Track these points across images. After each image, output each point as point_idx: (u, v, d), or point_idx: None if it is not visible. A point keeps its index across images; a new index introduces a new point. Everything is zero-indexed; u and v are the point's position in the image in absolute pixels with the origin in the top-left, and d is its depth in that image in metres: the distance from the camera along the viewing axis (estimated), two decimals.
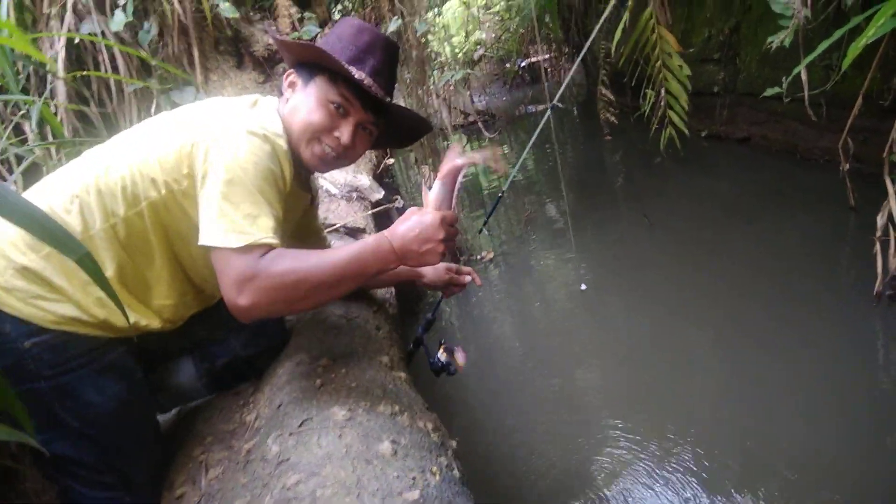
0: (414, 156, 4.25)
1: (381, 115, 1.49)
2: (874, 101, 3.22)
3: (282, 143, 1.32)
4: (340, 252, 1.25)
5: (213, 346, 1.62)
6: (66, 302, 1.27)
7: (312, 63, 1.44)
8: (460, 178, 1.40)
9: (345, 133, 1.42)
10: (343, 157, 1.47)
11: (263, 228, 1.20)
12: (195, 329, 1.58)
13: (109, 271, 1.31)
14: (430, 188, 1.39)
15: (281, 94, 1.49)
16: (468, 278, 1.83)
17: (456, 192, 1.39)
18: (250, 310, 1.19)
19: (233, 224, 1.18)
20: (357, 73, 1.38)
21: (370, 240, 1.28)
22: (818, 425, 2.13)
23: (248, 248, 1.18)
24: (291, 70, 1.49)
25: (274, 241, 1.21)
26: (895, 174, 2.49)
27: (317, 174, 1.85)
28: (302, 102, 1.42)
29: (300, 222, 1.70)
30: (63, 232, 0.90)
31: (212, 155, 1.23)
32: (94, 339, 1.31)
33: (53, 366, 1.26)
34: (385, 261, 1.27)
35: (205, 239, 1.20)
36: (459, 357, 1.65)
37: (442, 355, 1.64)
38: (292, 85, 1.47)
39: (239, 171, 1.22)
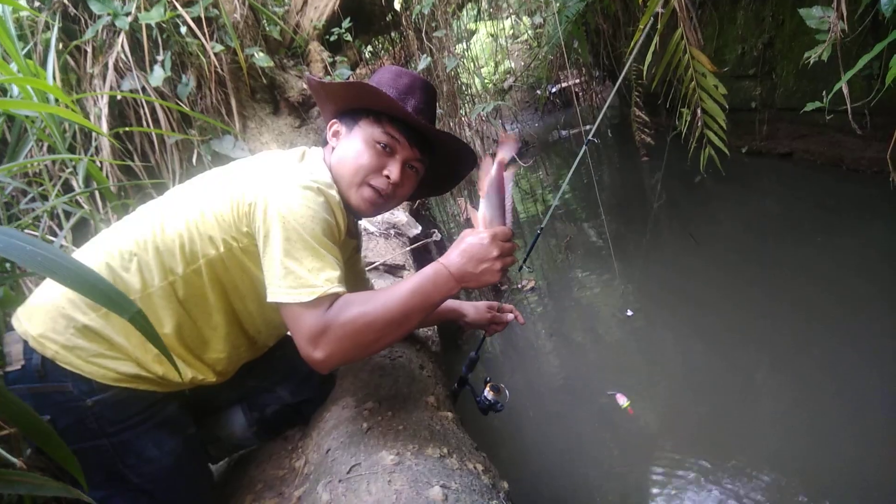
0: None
1: (426, 152, 1.51)
2: None
3: (334, 193, 1.35)
4: (402, 287, 1.26)
5: (262, 394, 1.63)
6: (126, 360, 1.30)
7: (355, 109, 1.47)
8: (508, 190, 1.36)
9: (394, 170, 1.43)
10: (392, 197, 1.48)
11: (329, 280, 1.23)
12: (243, 380, 1.60)
13: (168, 328, 1.34)
14: (476, 208, 1.37)
15: (324, 143, 1.52)
16: (510, 316, 1.81)
17: (508, 206, 1.36)
18: (326, 361, 1.21)
19: (299, 280, 1.21)
20: (394, 99, 1.41)
21: (428, 270, 1.28)
22: (873, 450, 2.03)
23: (318, 302, 1.20)
24: (335, 120, 1.51)
25: (340, 289, 1.24)
26: None
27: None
28: (349, 148, 1.44)
29: (346, 265, 1.71)
30: (115, 291, 0.92)
31: (270, 213, 1.25)
32: (152, 394, 1.34)
33: (115, 423, 1.29)
34: (446, 287, 1.27)
35: (274, 296, 1.23)
36: (622, 400, 1.64)
37: (489, 393, 1.62)
38: (336, 134, 1.50)
39: (298, 226, 1.24)
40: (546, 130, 9.23)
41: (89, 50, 2.95)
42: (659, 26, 3.49)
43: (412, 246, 2.84)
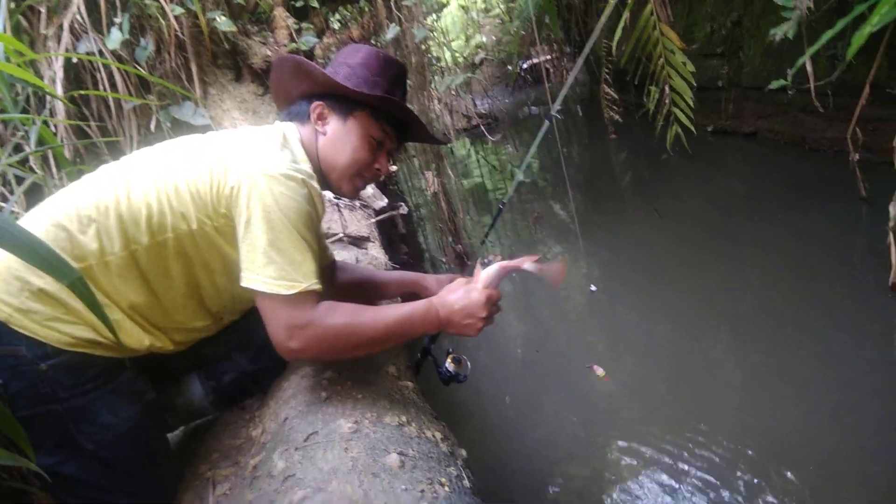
0: (417, 162, 4.23)
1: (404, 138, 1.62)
2: (881, 90, 3.17)
3: (315, 184, 1.35)
4: (393, 312, 1.33)
5: (219, 363, 1.60)
6: (83, 324, 1.26)
7: (347, 97, 1.48)
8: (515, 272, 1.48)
9: (384, 165, 1.53)
10: (371, 182, 1.59)
11: (309, 275, 1.25)
12: (201, 347, 1.57)
13: (126, 297, 1.31)
14: (484, 265, 1.47)
15: (295, 117, 1.53)
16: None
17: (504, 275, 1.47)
18: (298, 353, 1.25)
19: (281, 271, 1.23)
20: (412, 111, 1.52)
21: (420, 305, 1.36)
22: (834, 419, 2.09)
23: (300, 296, 1.23)
24: (320, 102, 1.51)
25: (319, 286, 1.26)
26: None
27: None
28: (344, 139, 1.49)
29: None
30: (55, 256, 0.88)
31: (254, 200, 1.25)
32: (107, 359, 1.31)
33: (69, 388, 1.26)
34: (430, 326, 1.37)
35: (251, 283, 1.24)
36: (599, 371, 1.70)
37: (450, 365, 1.62)
38: (322, 118, 1.51)
39: (282, 216, 1.25)
40: (516, 106, 9.21)
41: (43, 11, 2.82)
42: (629, 1, 3.48)
43: (377, 218, 2.81)
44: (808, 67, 2.89)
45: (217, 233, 1.33)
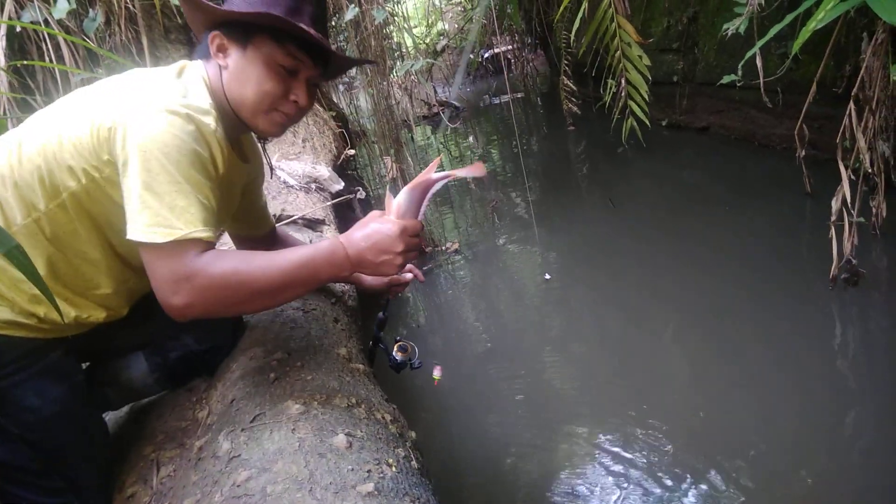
0: (378, 147, 4.21)
1: (327, 66, 1.39)
2: (828, 89, 3.28)
3: (209, 121, 1.19)
4: (291, 255, 1.18)
5: (166, 341, 1.57)
6: (1, 304, 1.20)
7: (244, 22, 1.29)
8: (433, 191, 1.30)
9: (301, 95, 1.33)
10: (299, 116, 1.39)
11: (193, 221, 1.10)
12: (147, 325, 1.53)
13: (40, 268, 1.21)
14: (395, 195, 1.29)
15: (202, 54, 1.35)
16: (409, 276, 1.75)
17: (425, 203, 1.30)
18: (184, 309, 1.11)
19: (157, 217, 1.08)
20: (305, 29, 1.27)
21: (324, 245, 1.21)
22: (776, 405, 2.17)
23: (179, 245, 1.09)
24: (216, 32, 1.31)
25: (206, 234, 1.11)
26: (848, 160, 2.54)
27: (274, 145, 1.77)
28: (247, 71, 1.29)
29: (242, 201, 1.57)
30: None
31: (130, 140, 1.11)
32: (31, 340, 1.25)
33: None
34: (339, 268, 1.21)
35: (132, 234, 1.10)
36: (436, 372, 1.67)
37: (397, 353, 1.62)
38: (222, 49, 1.31)
39: (160, 156, 1.10)
40: (477, 96, 9.22)
41: None
42: None
43: (334, 201, 2.78)
44: (759, 63, 2.96)
45: (108, 183, 1.19)
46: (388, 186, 1.42)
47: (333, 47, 1.36)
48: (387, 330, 1.74)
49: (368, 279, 1.77)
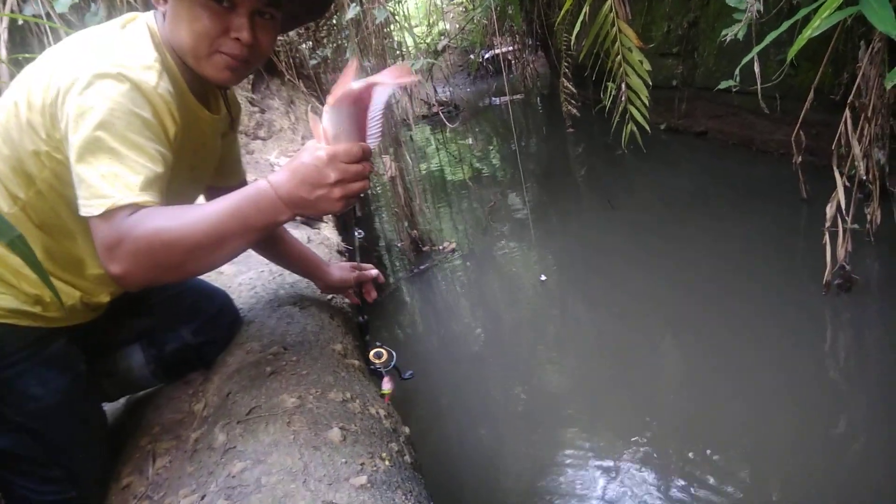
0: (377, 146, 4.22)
1: None
2: (826, 95, 3.30)
3: (148, 76, 1.10)
4: (216, 206, 1.05)
5: (163, 333, 1.58)
6: (3, 293, 1.21)
7: None
8: (376, 106, 1.05)
9: (243, 31, 1.16)
10: (254, 58, 1.24)
11: (125, 186, 1.02)
12: (144, 319, 1.55)
13: (37, 254, 1.21)
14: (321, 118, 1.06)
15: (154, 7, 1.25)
16: (374, 271, 1.73)
17: (373, 123, 1.06)
18: (125, 278, 1.02)
19: (90, 189, 1.02)
20: None
21: (250, 189, 1.06)
22: (769, 409, 2.19)
23: (110, 213, 1.01)
24: None
25: (141, 198, 1.02)
26: (843, 167, 2.56)
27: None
28: (178, 12, 1.16)
29: (219, 151, 1.48)
30: None
31: (65, 116, 1.06)
32: (35, 330, 1.25)
33: None
34: (273, 212, 1.04)
35: (80, 210, 1.05)
36: (385, 385, 1.53)
37: (373, 360, 1.60)
38: None
39: (91, 125, 1.03)
40: (477, 96, 9.24)
41: None
42: None
43: None
44: (756, 69, 2.98)
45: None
46: (309, 107, 1.28)
47: None
48: (380, 331, 1.74)
49: (334, 277, 1.74)
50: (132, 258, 1.01)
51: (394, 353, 1.60)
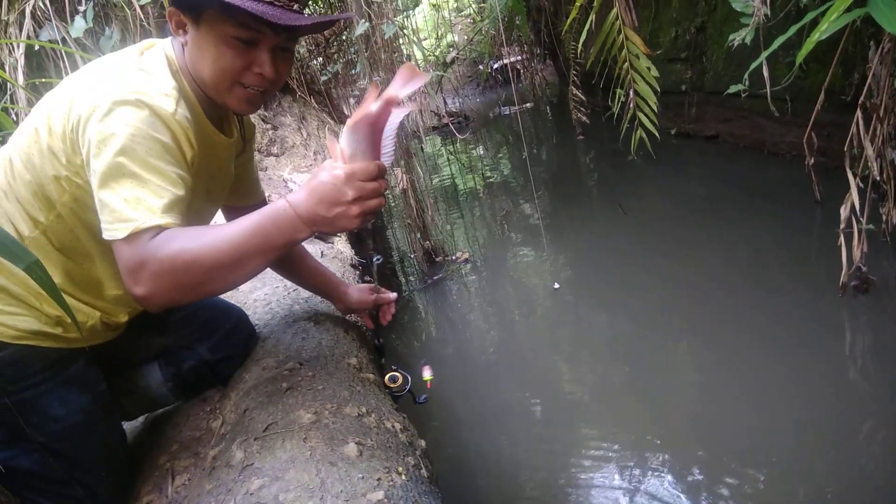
0: None
1: (295, 29, 1.25)
2: (836, 96, 3.28)
3: (166, 103, 1.13)
4: (237, 226, 1.07)
5: (179, 351, 1.60)
6: (26, 315, 1.23)
7: None
8: (391, 126, 1.09)
9: (266, 66, 1.22)
10: (271, 88, 1.29)
11: (148, 210, 1.05)
12: (161, 337, 1.57)
13: (56, 277, 1.23)
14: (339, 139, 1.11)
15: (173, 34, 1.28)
16: (394, 295, 1.76)
17: (388, 142, 1.10)
18: (149, 299, 1.05)
19: (113, 213, 1.05)
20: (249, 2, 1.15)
21: (269, 209, 1.08)
22: (785, 414, 2.17)
23: (135, 236, 1.03)
24: (172, 7, 1.22)
25: (163, 220, 1.05)
26: (857, 168, 2.54)
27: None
28: (202, 48, 1.20)
29: (234, 173, 1.52)
30: (10, 240, 0.87)
31: (87, 139, 1.09)
32: (56, 351, 1.28)
33: (15, 381, 1.23)
34: (292, 230, 1.07)
35: (103, 234, 1.08)
36: (426, 373, 1.64)
37: (388, 382, 1.62)
38: (181, 26, 1.23)
39: (112, 151, 1.06)
40: (487, 106, 9.26)
41: None
42: (595, 4, 3.54)
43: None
44: (765, 73, 2.97)
45: (90, 186, 1.13)
46: (326, 128, 1.34)
47: (298, 8, 1.24)
48: (395, 343, 1.75)
49: (352, 299, 1.75)
50: (157, 279, 1.03)
51: (409, 378, 1.63)
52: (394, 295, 1.76)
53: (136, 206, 1.04)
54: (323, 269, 1.82)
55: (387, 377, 1.62)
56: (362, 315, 1.81)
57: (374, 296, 1.73)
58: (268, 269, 1.81)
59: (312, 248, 2.25)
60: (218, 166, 1.39)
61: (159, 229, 1.05)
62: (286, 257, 1.62)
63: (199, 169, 1.23)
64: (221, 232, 1.07)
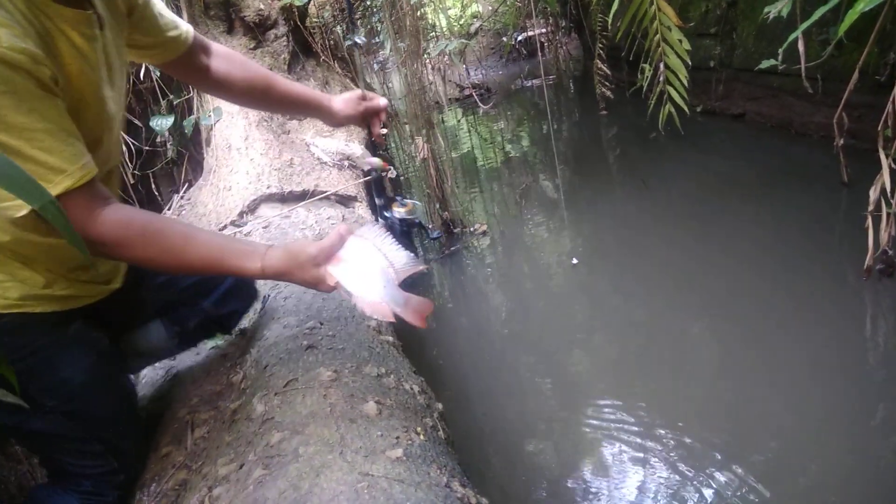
0: (409, 128, 4.21)
1: None
2: (870, 76, 3.20)
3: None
4: (209, 237, 1.19)
5: (183, 308, 1.59)
6: (11, 281, 1.20)
7: None
8: (369, 254, 1.17)
9: None
10: None
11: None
12: (160, 296, 1.55)
13: (42, 262, 1.22)
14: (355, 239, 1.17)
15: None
16: (384, 101, 1.64)
17: (386, 281, 1.18)
18: (102, 239, 1.07)
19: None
20: None
21: (246, 246, 1.18)
22: (806, 396, 2.15)
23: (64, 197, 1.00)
24: None
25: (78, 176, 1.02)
26: (889, 149, 2.48)
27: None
28: None
29: (136, 35, 1.34)
30: (25, 177, 0.80)
31: None
32: (52, 314, 1.25)
33: (17, 349, 1.21)
34: (249, 270, 1.16)
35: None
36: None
37: (397, 211, 1.55)
38: None
39: None
40: (509, 79, 9.14)
41: None
42: None
43: (365, 178, 2.81)
44: (801, 47, 2.90)
45: None
46: (345, 222, 1.34)
47: None
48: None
49: (339, 112, 1.61)
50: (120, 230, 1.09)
51: (417, 204, 1.57)
52: (384, 101, 1.64)
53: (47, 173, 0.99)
54: (302, 89, 1.69)
55: (395, 205, 1.55)
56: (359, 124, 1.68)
57: (362, 105, 1.62)
58: (288, 230, 1.82)
59: (334, 211, 2.25)
60: (95, 50, 1.16)
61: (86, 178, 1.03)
62: (259, 89, 1.55)
63: (72, 71, 1.09)
64: (199, 233, 1.20)
